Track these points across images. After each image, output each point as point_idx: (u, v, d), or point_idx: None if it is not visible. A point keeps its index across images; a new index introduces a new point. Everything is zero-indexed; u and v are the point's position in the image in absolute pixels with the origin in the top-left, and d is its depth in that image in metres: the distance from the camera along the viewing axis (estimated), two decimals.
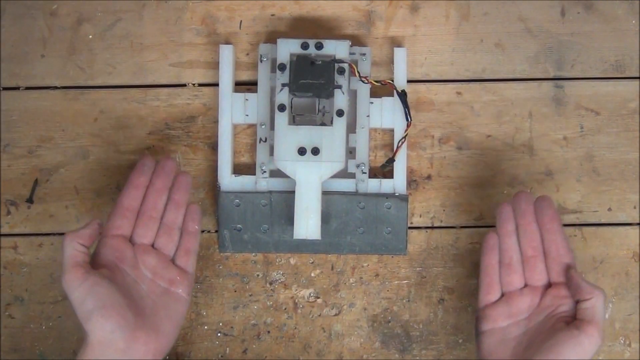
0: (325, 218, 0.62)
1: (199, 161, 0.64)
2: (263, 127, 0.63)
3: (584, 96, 0.65)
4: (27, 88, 0.64)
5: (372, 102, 0.63)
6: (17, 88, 0.64)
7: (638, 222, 0.64)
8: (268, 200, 0.62)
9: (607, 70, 0.65)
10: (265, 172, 0.63)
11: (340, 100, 0.60)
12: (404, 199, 0.62)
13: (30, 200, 0.64)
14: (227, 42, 0.64)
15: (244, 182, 0.63)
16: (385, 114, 0.63)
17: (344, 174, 0.62)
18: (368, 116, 0.63)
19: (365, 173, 0.63)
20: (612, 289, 0.64)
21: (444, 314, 0.64)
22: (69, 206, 0.64)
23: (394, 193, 0.62)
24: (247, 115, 0.63)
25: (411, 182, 0.64)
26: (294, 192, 0.60)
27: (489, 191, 0.64)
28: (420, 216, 0.64)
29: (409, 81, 0.64)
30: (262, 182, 0.63)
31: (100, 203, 0.64)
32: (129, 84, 0.64)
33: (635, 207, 0.64)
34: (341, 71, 0.60)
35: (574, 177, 0.64)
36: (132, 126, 0.64)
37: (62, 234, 0.63)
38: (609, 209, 0.64)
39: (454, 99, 0.64)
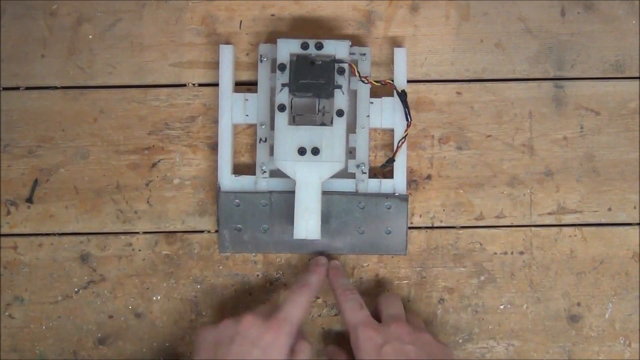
0: (325, 218, 0.62)
1: (199, 161, 0.64)
2: (263, 127, 0.63)
3: (584, 96, 0.65)
4: (27, 88, 0.64)
5: (372, 102, 0.63)
6: (17, 88, 0.64)
7: (638, 222, 0.64)
8: (268, 200, 0.62)
9: (607, 70, 0.65)
10: (265, 172, 0.62)
11: (340, 100, 0.60)
12: (404, 199, 0.62)
13: (30, 200, 0.64)
14: (227, 42, 0.64)
15: (244, 182, 0.63)
16: (385, 114, 0.63)
17: (344, 174, 0.62)
18: (368, 116, 0.63)
19: (365, 173, 0.63)
20: (612, 289, 0.64)
21: (444, 314, 0.64)
22: (69, 206, 0.64)
23: (394, 193, 0.62)
24: (247, 115, 0.63)
25: (411, 182, 0.64)
26: (294, 192, 0.60)
27: (489, 191, 0.64)
28: (420, 216, 0.64)
29: (409, 81, 0.64)
30: (262, 182, 0.63)
31: (100, 203, 0.64)
32: (129, 84, 0.64)
33: (635, 207, 0.64)
34: (341, 71, 0.60)
35: (574, 177, 0.64)
36: (132, 126, 0.64)
37: (62, 234, 0.63)
38: (609, 209, 0.64)
39: (454, 99, 0.64)
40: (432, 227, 0.64)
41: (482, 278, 0.64)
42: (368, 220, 0.63)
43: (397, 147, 0.62)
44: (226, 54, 0.63)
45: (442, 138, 0.64)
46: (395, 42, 0.65)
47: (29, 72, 0.64)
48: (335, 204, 0.62)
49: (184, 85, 0.64)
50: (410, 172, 0.64)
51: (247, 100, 0.63)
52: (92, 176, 0.64)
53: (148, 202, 0.64)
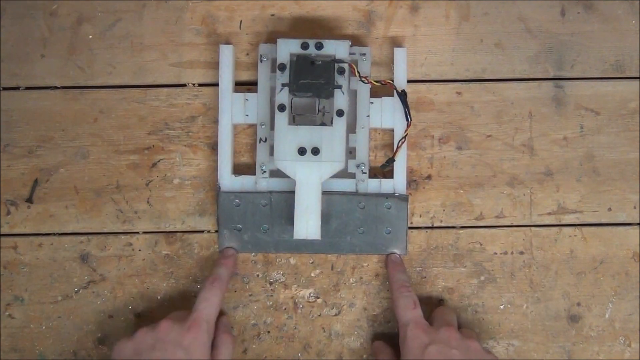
0: (325, 218, 0.62)
1: (199, 161, 0.64)
2: (263, 127, 0.63)
3: (584, 96, 0.65)
4: (27, 88, 0.64)
5: (372, 102, 0.63)
6: (17, 88, 0.64)
7: (638, 222, 0.64)
8: (268, 200, 0.62)
9: (607, 70, 0.65)
10: (265, 172, 0.62)
11: (340, 100, 0.60)
12: (404, 199, 0.62)
13: (30, 200, 0.64)
14: (227, 42, 0.64)
15: (244, 182, 0.63)
16: (385, 114, 0.63)
17: (344, 174, 0.62)
18: (368, 116, 0.63)
19: (365, 173, 0.63)
20: (612, 289, 0.64)
21: None
22: (69, 206, 0.64)
23: (394, 193, 0.62)
24: (247, 115, 0.63)
25: (411, 182, 0.64)
26: (294, 192, 0.60)
27: (489, 191, 0.64)
28: (420, 216, 0.64)
29: (409, 81, 0.64)
30: (262, 182, 0.63)
31: (99, 203, 0.64)
32: (129, 84, 0.64)
33: (635, 207, 0.64)
34: (341, 71, 0.60)
35: (574, 177, 0.64)
36: (132, 126, 0.64)
37: (62, 234, 0.63)
38: (609, 209, 0.64)
39: (454, 99, 0.64)
40: (432, 227, 0.64)
41: (482, 278, 0.64)
42: (368, 220, 0.63)
43: (397, 147, 0.62)
44: (226, 54, 0.63)
45: (442, 138, 0.64)
46: (395, 42, 0.65)
47: (29, 72, 0.64)
48: (335, 204, 0.62)
49: (184, 85, 0.64)
50: (410, 172, 0.64)
51: (247, 100, 0.63)
52: (92, 176, 0.64)
53: (148, 202, 0.64)
